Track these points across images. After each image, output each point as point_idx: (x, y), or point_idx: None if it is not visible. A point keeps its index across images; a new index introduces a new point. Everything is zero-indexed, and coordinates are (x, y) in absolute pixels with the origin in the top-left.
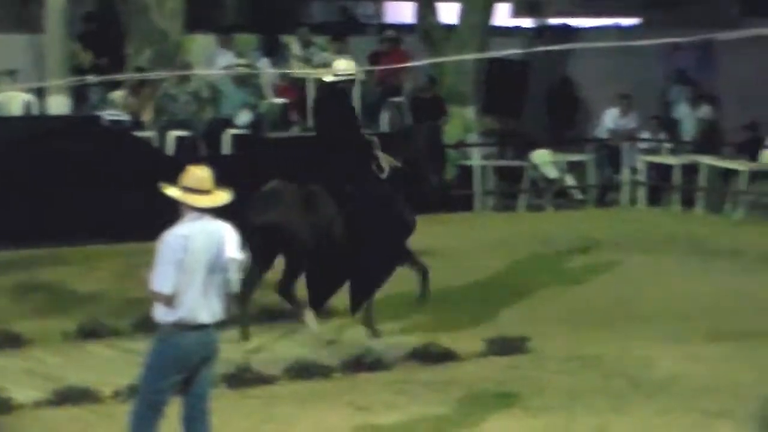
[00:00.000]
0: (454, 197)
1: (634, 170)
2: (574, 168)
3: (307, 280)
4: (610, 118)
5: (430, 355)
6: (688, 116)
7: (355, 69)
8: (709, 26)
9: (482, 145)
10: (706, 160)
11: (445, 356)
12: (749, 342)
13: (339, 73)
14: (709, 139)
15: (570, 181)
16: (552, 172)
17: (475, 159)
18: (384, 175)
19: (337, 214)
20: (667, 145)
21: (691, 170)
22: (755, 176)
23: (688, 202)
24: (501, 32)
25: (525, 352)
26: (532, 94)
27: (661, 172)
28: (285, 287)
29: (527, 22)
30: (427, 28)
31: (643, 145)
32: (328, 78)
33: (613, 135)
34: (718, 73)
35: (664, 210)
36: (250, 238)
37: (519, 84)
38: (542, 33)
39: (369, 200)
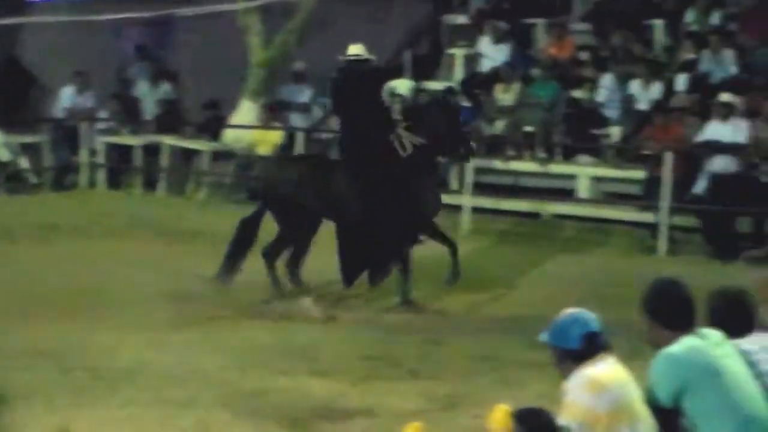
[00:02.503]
0: None
1: (93, 152)
2: (29, 150)
3: (338, 259)
4: (66, 97)
5: None
6: (148, 94)
7: (364, 52)
8: (168, 2)
9: None
10: (168, 140)
11: None
12: (213, 326)
13: (349, 55)
14: (169, 119)
15: (24, 163)
16: (4, 155)
17: None
18: (405, 154)
19: (351, 189)
20: (128, 125)
21: (152, 151)
22: (217, 156)
23: (150, 184)
24: None
25: None
26: None
27: (121, 154)
28: (292, 265)
29: None
30: None
31: (102, 125)
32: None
33: (70, 114)
34: (178, 50)
35: (125, 192)
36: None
37: None
38: None
39: (388, 177)
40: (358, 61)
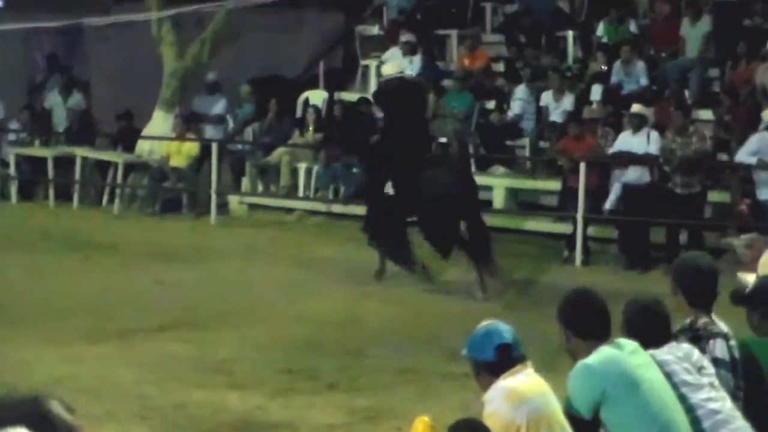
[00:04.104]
0: None
1: (4, 163)
2: None
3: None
4: None
5: None
6: (59, 105)
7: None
8: (78, 10)
9: None
10: (80, 151)
11: None
12: (129, 340)
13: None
14: (82, 130)
15: None
16: None
17: None
18: None
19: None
20: (39, 137)
21: (65, 163)
22: (131, 168)
23: (63, 197)
24: None
25: None
26: None
27: (33, 165)
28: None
29: None
30: None
31: (12, 137)
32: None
33: None
34: (90, 60)
35: (38, 205)
36: None
37: None
38: None
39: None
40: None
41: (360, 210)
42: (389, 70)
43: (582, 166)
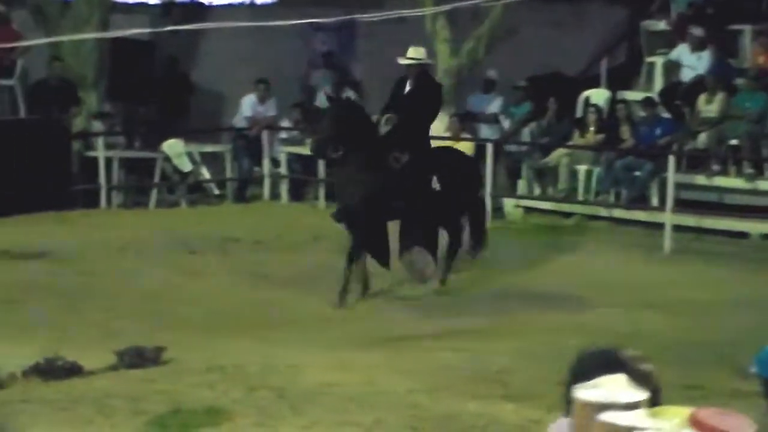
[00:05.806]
0: (76, 192)
1: (275, 162)
2: (210, 159)
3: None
4: (248, 106)
5: (53, 370)
6: None
7: (422, 55)
8: (351, 6)
9: (107, 134)
10: None
11: (71, 371)
12: (399, 347)
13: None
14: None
15: (206, 174)
16: (186, 165)
17: (100, 150)
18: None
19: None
20: (311, 135)
21: None
22: None
23: (333, 197)
24: (123, 9)
25: (161, 364)
26: (158, 78)
27: (304, 164)
28: None
29: None
30: (39, 3)
31: (284, 135)
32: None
33: (252, 124)
34: (362, 57)
35: (308, 205)
36: None
37: (145, 67)
38: (170, 11)
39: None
40: (413, 66)
41: (643, 216)
42: (412, 54)
43: None
